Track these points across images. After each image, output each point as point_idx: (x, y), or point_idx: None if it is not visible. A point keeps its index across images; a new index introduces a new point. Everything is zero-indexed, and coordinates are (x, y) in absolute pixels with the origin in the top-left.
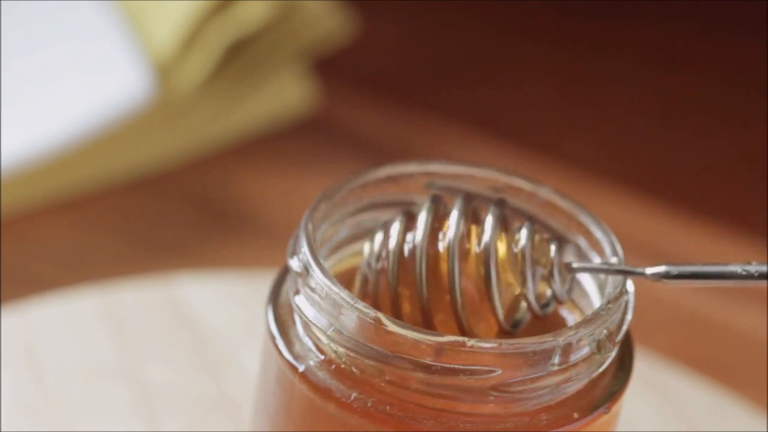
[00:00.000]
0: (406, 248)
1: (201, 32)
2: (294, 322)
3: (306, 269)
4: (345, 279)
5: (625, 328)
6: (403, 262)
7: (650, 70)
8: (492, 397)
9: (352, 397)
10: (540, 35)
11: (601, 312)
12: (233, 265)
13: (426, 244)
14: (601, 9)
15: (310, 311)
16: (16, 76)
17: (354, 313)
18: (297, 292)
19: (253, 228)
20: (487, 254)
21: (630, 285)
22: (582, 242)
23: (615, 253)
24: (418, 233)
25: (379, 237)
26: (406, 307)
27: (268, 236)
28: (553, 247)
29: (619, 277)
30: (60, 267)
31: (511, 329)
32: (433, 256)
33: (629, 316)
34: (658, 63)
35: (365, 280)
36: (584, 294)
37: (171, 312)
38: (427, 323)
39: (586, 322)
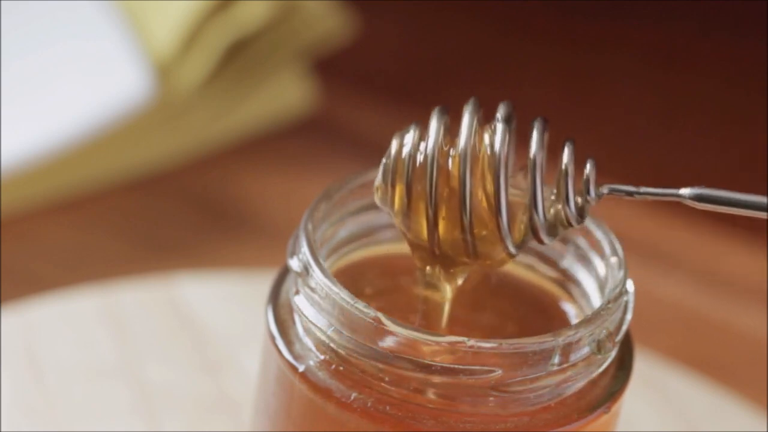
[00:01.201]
0: (448, 161)
1: (201, 32)
2: (294, 322)
3: (306, 269)
4: (345, 278)
5: (625, 328)
6: (444, 172)
7: (650, 70)
8: (492, 397)
9: (352, 397)
10: (540, 35)
11: (601, 312)
12: (233, 265)
13: (470, 157)
14: (601, 9)
15: (310, 311)
16: (16, 76)
17: (354, 313)
18: (297, 292)
19: (253, 228)
20: (533, 167)
21: (630, 285)
22: (582, 242)
23: (615, 253)
24: (462, 140)
25: (410, 138)
26: (444, 228)
27: (268, 236)
28: (588, 165)
29: (621, 273)
30: (60, 267)
31: (548, 239)
32: (476, 174)
33: (629, 316)
34: (658, 63)
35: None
36: (584, 294)
37: (171, 312)
38: (467, 243)
39: (586, 322)
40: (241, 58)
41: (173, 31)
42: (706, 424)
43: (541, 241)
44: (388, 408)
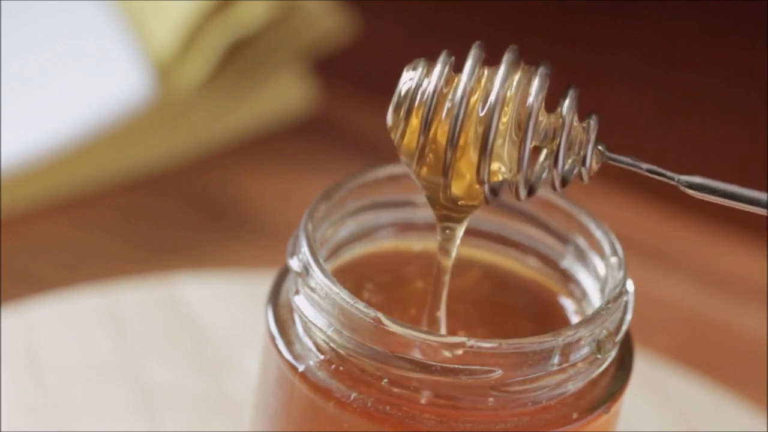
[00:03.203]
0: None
1: (201, 32)
2: (294, 322)
3: (306, 269)
4: (345, 276)
5: (625, 328)
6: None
7: (650, 70)
8: (492, 397)
9: (352, 397)
10: (540, 35)
11: (601, 312)
12: (233, 265)
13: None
14: (601, 9)
15: (310, 311)
16: (16, 76)
17: (354, 313)
18: (297, 292)
19: (253, 228)
20: (529, 115)
21: (630, 285)
22: (582, 242)
23: (615, 253)
24: (496, 87)
25: (439, 69)
26: (463, 168)
27: (268, 236)
28: (592, 122)
29: (621, 273)
30: (60, 267)
31: (526, 195)
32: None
33: (629, 316)
34: (658, 63)
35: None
36: (584, 294)
37: (171, 312)
38: (480, 175)
39: (586, 322)
40: (241, 58)
41: (173, 31)
42: (706, 424)
43: (517, 196)
44: (388, 408)
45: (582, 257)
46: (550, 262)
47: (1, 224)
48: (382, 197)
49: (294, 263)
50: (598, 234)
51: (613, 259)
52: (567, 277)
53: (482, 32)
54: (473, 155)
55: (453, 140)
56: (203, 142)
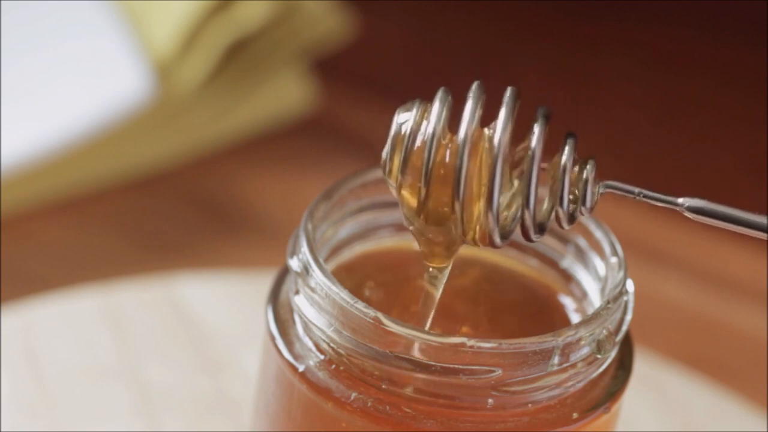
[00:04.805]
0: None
1: (201, 32)
2: (294, 322)
3: (306, 269)
4: (344, 275)
5: (625, 328)
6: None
7: (650, 70)
8: (492, 397)
9: (352, 397)
10: (540, 35)
11: (601, 312)
12: (233, 265)
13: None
14: (601, 9)
15: (310, 311)
16: (17, 76)
17: (354, 312)
18: (297, 292)
19: (253, 228)
20: (532, 160)
21: (630, 285)
22: (582, 242)
23: (615, 253)
24: (497, 135)
25: (436, 112)
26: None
27: (268, 236)
28: (589, 166)
29: (621, 273)
30: (60, 267)
31: (538, 235)
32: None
33: (629, 316)
34: (658, 63)
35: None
36: (584, 294)
37: (171, 312)
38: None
39: (586, 322)
40: (241, 58)
41: (173, 31)
42: (705, 424)
43: (527, 236)
44: (388, 408)
45: (582, 257)
46: (550, 262)
47: (1, 224)
48: (382, 197)
49: (294, 263)
50: (598, 234)
51: (613, 259)
52: (567, 277)
53: (482, 32)
54: (479, 205)
55: (459, 196)
56: (203, 142)
